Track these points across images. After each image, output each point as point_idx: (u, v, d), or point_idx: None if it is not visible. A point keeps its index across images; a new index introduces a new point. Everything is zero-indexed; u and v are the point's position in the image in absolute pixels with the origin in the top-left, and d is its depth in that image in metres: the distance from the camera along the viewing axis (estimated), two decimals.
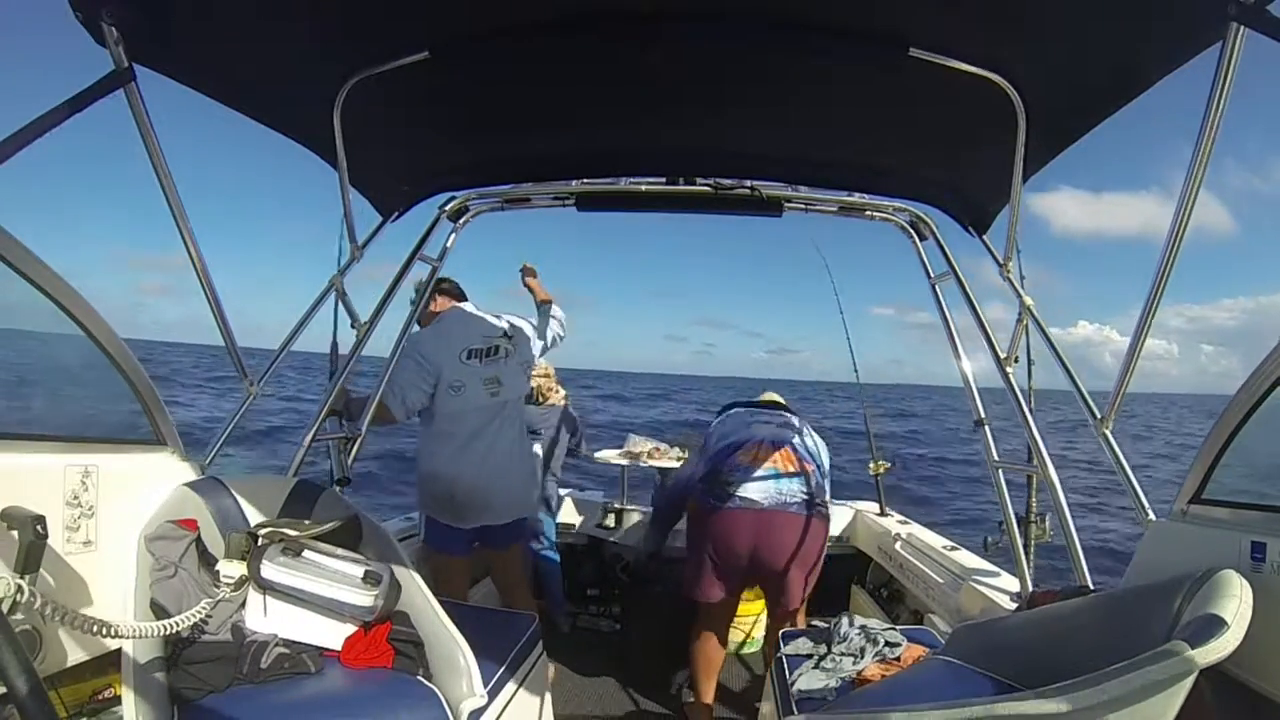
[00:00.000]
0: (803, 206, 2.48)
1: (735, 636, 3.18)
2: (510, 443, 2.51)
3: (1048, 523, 2.12)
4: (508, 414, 2.52)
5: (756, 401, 2.71)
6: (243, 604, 1.45)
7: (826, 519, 2.28)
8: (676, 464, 3.54)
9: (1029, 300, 1.98)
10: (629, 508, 3.59)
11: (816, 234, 3.41)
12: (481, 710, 1.42)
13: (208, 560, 1.47)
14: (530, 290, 2.92)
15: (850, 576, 3.32)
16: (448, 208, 2.53)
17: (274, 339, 2.07)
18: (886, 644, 1.81)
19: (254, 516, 1.63)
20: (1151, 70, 1.42)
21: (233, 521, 1.57)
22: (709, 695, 2.49)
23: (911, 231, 2.51)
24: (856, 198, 2.48)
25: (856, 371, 3.83)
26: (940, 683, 1.43)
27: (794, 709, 1.61)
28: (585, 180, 2.47)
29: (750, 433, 2.33)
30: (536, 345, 2.74)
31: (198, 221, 1.67)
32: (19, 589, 1.03)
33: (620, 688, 2.85)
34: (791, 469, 2.24)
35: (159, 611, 1.32)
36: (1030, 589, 1.97)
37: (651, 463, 3.59)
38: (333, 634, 1.48)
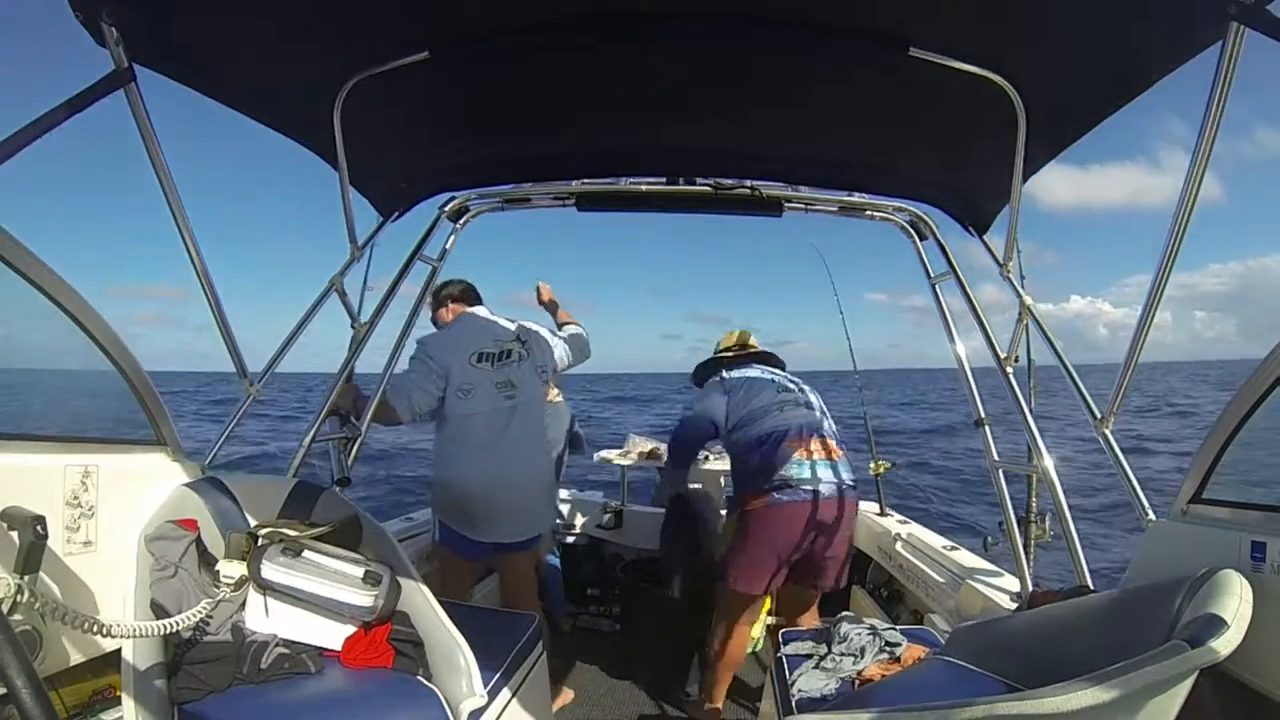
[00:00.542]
0: (803, 206, 2.48)
1: None
2: (527, 451, 2.42)
3: (1048, 523, 2.12)
4: (523, 419, 2.41)
5: (747, 354, 2.71)
6: (243, 604, 1.45)
7: (857, 500, 2.40)
8: None
9: (1029, 300, 1.99)
10: (629, 508, 3.59)
11: (812, 227, 3.42)
12: (481, 710, 1.42)
13: (208, 560, 1.47)
14: (550, 312, 2.85)
15: (850, 576, 3.32)
16: (448, 208, 2.53)
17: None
18: (886, 644, 1.81)
19: (254, 516, 1.63)
20: (1151, 70, 1.42)
21: (233, 521, 1.57)
22: (722, 698, 2.47)
23: (911, 231, 2.51)
24: (856, 198, 2.48)
25: (855, 364, 3.82)
26: (940, 683, 1.43)
27: (794, 709, 1.61)
28: (585, 180, 2.47)
29: (784, 419, 2.31)
30: (555, 353, 2.64)
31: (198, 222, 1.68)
32: (19, 589, 1.03)
33: (620, 688, 2.85)
34: (836, 456, 2.30)
35: (159, 611, 1.32)
36: (1030, 589, 1.96)
37: (652, 463, 3.59)
38: (333, 634, 1.48)
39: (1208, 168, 1.29)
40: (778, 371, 2.58)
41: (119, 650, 1.22)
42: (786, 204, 2.44)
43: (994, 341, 2.12)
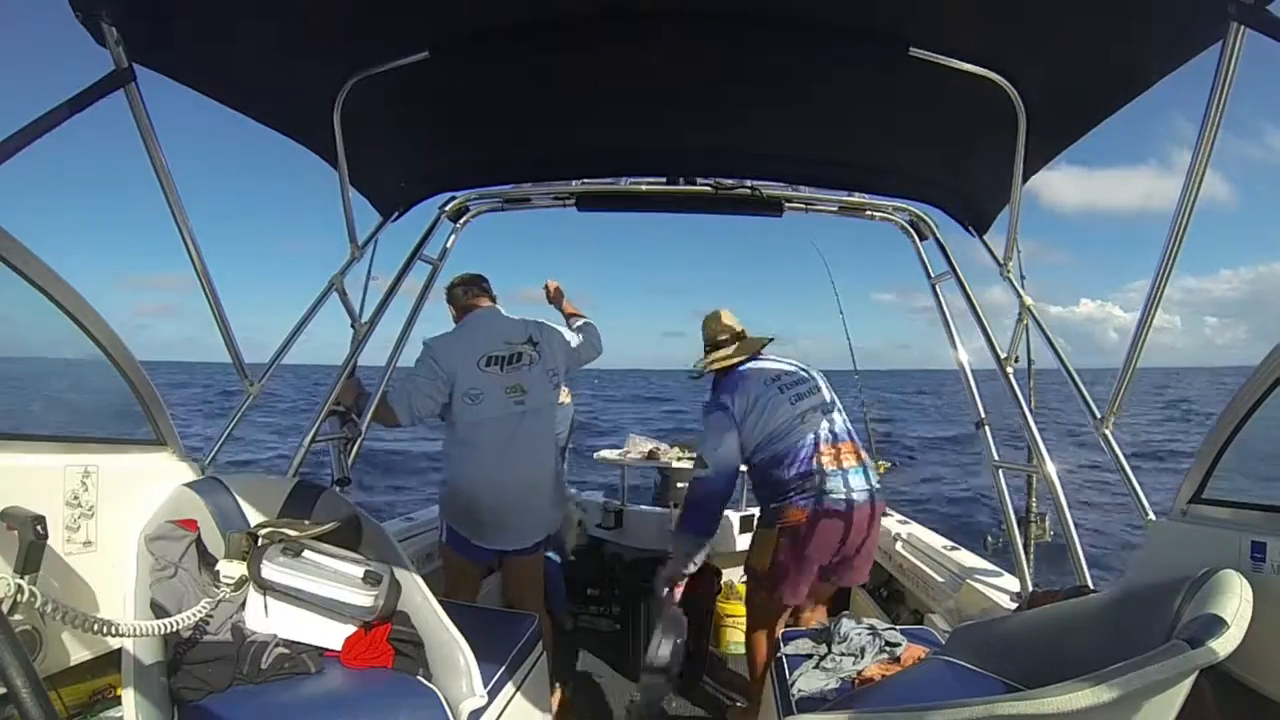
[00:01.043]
0: (803, 206, 2.49)
1: (735, 637, 3.19)
2: (535, 458, 2.34)
3: (1048, 522, 2.12)
4: (533, 425, 2.33)
5: (745, 356, 2.43)
6: (243, 604, 1.45)
7: (884, 501, 2.38)
8: (677, 463, 3.54)
9: (1029, 300, 1.99)
10: (629, 508, 3.59)
11: (814, 226, 3.41)
12: (481, 710, 1.42)
13: (208, 560, 1.47)
14: (559, 308, 2.79)
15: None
16: (448, 208, 2.53)
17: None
18: (886, 644, 1.81)
19: (254, 516, 1.63)
20: (1151, 70, 1.42)
21: (233, 521, 1.57)
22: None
23: (911, 231, 2.51)
24: (856, 197, 2.48)
25: (855, 364, 3.83)
26: (940, 683, 1.43)
27: (794, 709, 1.61)
28: (585, 180, 2.47)
29: (807, 430, 2.22)
30: (570, 350, 2.55)
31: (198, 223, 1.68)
32: (19, 589, 1.03)
33: (620, 688, 2.85)
34: (862, 461, 2.28)
35: (159, 611, 1.32)
36: (1030, 589, 1.97)
37: (651, 463, 3.59)
38: (333, 634, 1.48)
39: (1208, 166, 1.29)
40: (781, 370, 2.39)
41: (119, 650, 1.22)
42: (786, 204, 2.45)
43: (994, 342, 2.13)
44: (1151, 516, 1.48)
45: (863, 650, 1.79)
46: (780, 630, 2.29)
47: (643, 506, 3.63)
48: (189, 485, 1.56)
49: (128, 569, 1.36)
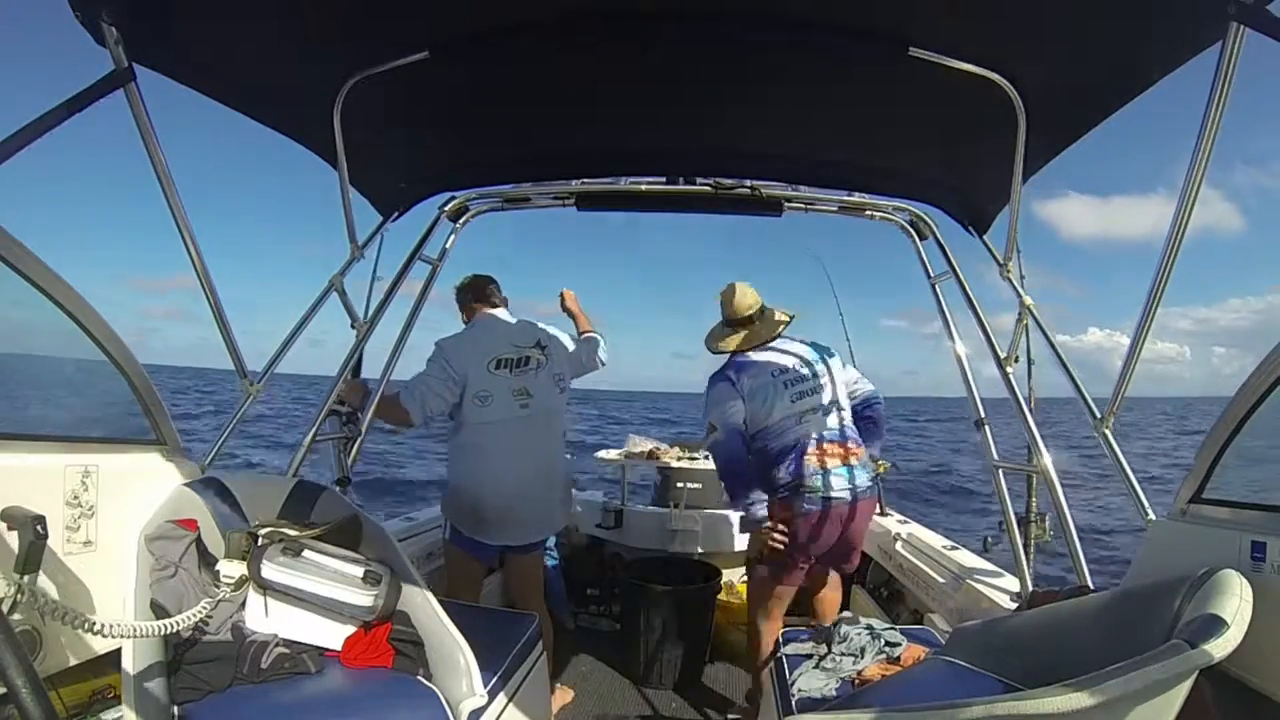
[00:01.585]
0: (803, 206, 2.49)
1: (735, 637, 3.19)
2: (541, 460, 2.38)
3: (1048, 522, 2.12)
4: (540, 429, 2.37)
5: (760, 340, 2.45)
6: (243, 604, 1.45)
7: (873, 498, 2.46)
8: (676, 463, 3.55)
9: (1029, 300, 1.99)
10: (629, 508, 3.59)
11: (821, 247, 3.41)
12: (481, 710, 1.42)
13: (208, 560, 1.47)
14: (572, 317, 2.80)
15: (850, 576, 3.33)
16: (448, 208, 2.53)
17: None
18: (886, 644, 1.81)
19: (254, 516, 1.63)
20: (1151, 70, 1.42)
21: (233, 521, 1.57)
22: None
23: (911, 231, 2.51)
24: (856, 197, 2.48)
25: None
26: (940, 683, 1.43)
27: (794, 709, 1.61)
28: (585, 180, 2.47)
29: (803, 431, 2.31)
30: (574, 362, 2.61)
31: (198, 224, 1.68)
32: (19, 589, 1.03)
33: (620, 687, 2.85)
34: (854, 460, 2.34)
35: (159, 611, 1.32)
36: (1030, 589, 1.97)
37: (651, 462, 3.59)
38: (333, 634, 1.48)
39: (1208, 167, 1.29)
40: (789, 364, 2.40)
41: (119, 650, 1.22)
42: (786, 204, 2.44)
43: (994, 342, 2.13)
44: (1151, 516, 1.48)
45: (863, 650, 1.79)
46: (780, 618, 2.38)
47: (643, 507, 3.64)
48: (189, 485, 1.56)
49: (128, 569, 1.36)
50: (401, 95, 1.75)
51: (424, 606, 1.56)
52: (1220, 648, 0.90)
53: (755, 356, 2.42)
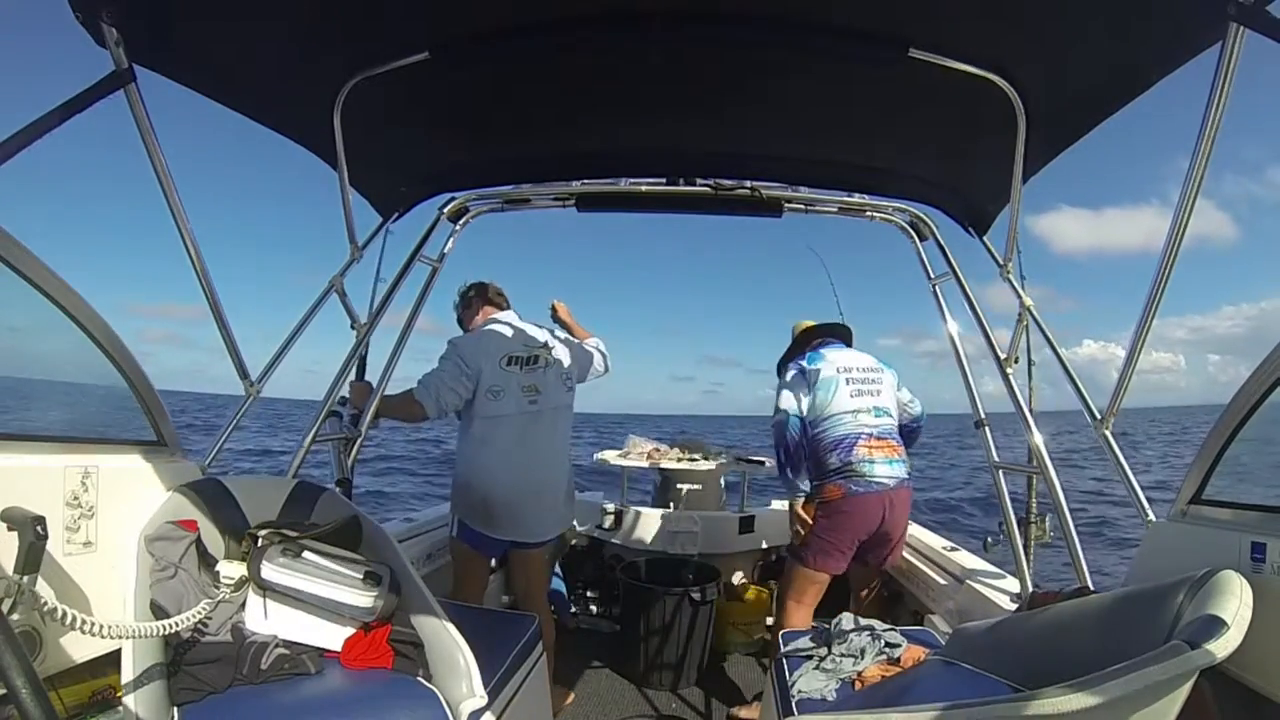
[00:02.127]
0: (802, 207, 2.49)
1: (736, 637, 3.19)
2: (548, 456, 2.43)
3: (1048, 523, 2.12)
4: (548, 425, 2.42)
5: (826, 332, 2.76)
6: (243, 605, 1.45)
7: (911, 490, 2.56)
8: (676, 465, 3.55)
9: (1029, 300, 1.99)
10: (629, 508, 3.59)
11: (813, 266, 3.45)
12: (481, 711, 1.41)
13: (208, 561, 1.47)
14: (566, 329, 2.80)
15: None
16: (448, 208, 2.53)
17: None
18: (886, 644, 1.81)
19: (254, 517, 1.63)
20: (1151, 70, 1.42)
21: (233, 522, 1.57)
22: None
23: (911, 232, 2.52)
24: (856, 198, 2.49)
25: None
26: (940, 683, 1.43)
27: (794, 709, 1.61)
28: (585, 181, 2.47)
29: (859, 426, 2.47)
30: (581, 365, 2.65)
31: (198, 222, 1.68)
32: (19, 589, 1.03)
33: (620, 688, 2.85)
34: (898, 456, 2.49)
35: (159, 612, 1.31)
36: (1030, 589, 1.97)
37: (651, 463, 3.59)
38: (333, 635, 1.48)
39: (1208, 168, 1.29)
40: (855, 365, 2.60)
41: (119, 650, 1.22)
42: (786, 204, 2.45)
43: (994, 342, 2.13)
44: (1151, 517, 1.48)
45: (863, 651, 1.79)
46: (813, 607, 2.47)
47: (642, 507, 3.64)
48: (189, 486, 1.56)
49: (128, 570, 1.36)
50: (402, 96, 1.75)
51: (424, 607, 1.56)
52: (1221, 648, 0.90)
53: (827, 353, 2.61)
